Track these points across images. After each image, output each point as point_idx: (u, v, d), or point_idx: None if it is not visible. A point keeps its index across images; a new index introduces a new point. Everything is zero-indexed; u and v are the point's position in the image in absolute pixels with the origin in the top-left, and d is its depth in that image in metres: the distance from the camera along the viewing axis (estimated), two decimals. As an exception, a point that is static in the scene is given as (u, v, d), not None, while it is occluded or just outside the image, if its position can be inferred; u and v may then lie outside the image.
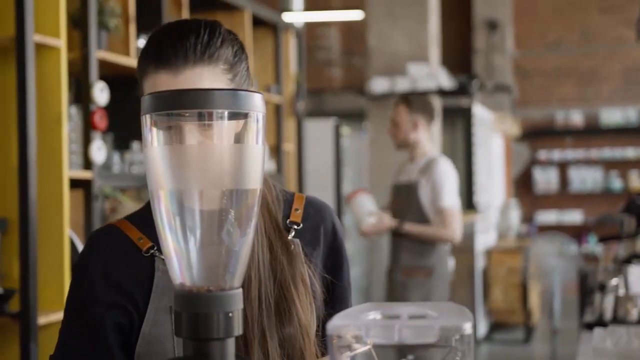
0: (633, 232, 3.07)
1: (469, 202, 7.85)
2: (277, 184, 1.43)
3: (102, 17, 3.30)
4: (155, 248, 1.31)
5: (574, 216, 10.95)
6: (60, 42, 2.97)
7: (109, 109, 3.30)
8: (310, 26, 10.51)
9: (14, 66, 2.84)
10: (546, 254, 7.25)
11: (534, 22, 11.14)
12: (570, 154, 10.98)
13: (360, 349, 0.90)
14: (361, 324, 0.91)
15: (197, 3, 4.33)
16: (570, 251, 7.27)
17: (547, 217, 11.01)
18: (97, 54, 3.28)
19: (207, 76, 1.25)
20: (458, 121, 8.20)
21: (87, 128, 3.24)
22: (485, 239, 8.06)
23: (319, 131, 7.17)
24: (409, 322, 0.92)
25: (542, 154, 11.07)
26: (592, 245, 10.48)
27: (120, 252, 1.33)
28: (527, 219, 10.82)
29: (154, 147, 0.95)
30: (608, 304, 2.64)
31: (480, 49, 10.81)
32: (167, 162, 0.95)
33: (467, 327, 0.89)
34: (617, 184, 10.82)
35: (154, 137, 0.94)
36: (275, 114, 5.24)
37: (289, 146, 5.47)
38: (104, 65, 3.36)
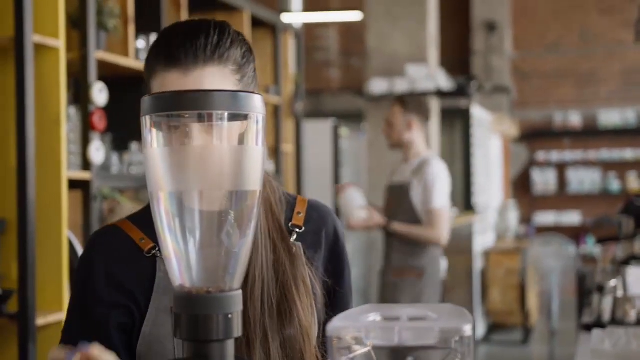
0: (631, 234, 3.07)
1: (467, 203, 7.85)
2: (280, 186, 1.43)
3: (101, 17, 3.30)
4: (157, 249, 1.31)
5: (572, 217, 10.95)
6: (59, 43, 2.97)
7: (107, 109, 3.30)
8: (309, 27, 10.49)
9: (12, 66, 2.84)
10: (544, 255, 7.24)
11: (532, 23, 11.14)
12: (569, 155, 10.98)
13: (360, 350, 0.90)
14: (361, 325, 0.91)
15: (196, 3, 4.33)
16: (569, 252, 7.27)
17: (546, 218, 11.01)
18: (96, 55, 3.28)
19: (217, 76, 1.25)
20: (456, 122, 8.20)
21: (86, 129, 3.23)
22: (483, 240, 8.06)
23: (318, 132, 7.16)
24: (408, 324, 0.92)
25: (541, 155, 11.06)
26: (591, 246, 10.48)
27: (122, 253, 1.33)
28: (526, 220, 10.81)
29: (153, 148, 0.94)
30: (606, 305, 2.64)
31: (478, 50, 10.81)
32: (167, 163, 0.95)
33: (467, 329, 0.89)
34: (615, 185, 10.82)
35: (153, 138, 0.94)
36: (274, 114, 5.24)
37: (288, 147, 5.47)
38: (102, 65, 3.36)
